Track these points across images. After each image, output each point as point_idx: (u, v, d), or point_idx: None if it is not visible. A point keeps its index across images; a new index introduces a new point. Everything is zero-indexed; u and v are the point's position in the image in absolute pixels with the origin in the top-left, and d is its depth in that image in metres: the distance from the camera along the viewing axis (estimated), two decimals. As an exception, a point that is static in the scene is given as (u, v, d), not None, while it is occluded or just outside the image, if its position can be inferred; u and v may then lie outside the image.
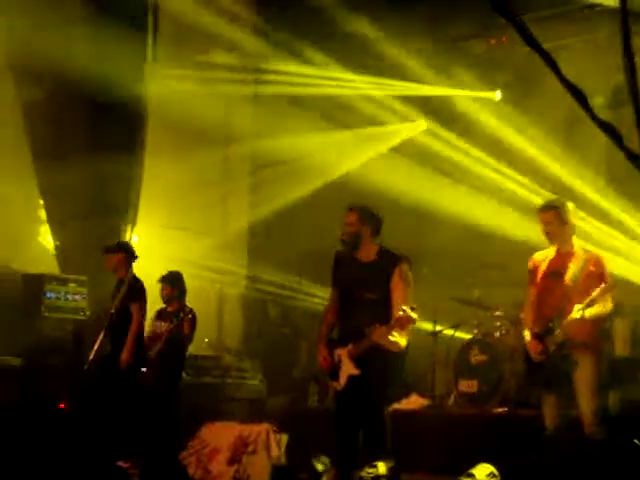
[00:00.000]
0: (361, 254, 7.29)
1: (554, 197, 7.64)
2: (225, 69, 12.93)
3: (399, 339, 7.00)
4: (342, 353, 7.19)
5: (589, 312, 6.70)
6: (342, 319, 7.36)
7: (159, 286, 9.69)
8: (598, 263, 7.00)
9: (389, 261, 7.16)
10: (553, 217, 7.07)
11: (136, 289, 9.36)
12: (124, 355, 9.04)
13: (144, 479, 5.64)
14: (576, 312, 6.68)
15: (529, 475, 5.66)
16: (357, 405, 7.21)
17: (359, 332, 7.04)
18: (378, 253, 7.25)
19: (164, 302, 9.70)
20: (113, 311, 9.14)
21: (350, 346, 7.12)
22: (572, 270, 6.95)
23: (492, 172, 12.01)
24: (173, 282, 9.67)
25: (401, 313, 6.75)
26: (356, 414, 7.23)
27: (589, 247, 7.29)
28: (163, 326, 9.52)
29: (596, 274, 6.89)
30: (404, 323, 6.86)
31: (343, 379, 7.18)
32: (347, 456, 7.18)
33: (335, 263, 7.51)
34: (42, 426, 5.20)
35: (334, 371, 7.27)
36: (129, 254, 9.50)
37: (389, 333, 6.86)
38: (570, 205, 7.19)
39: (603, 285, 6.72)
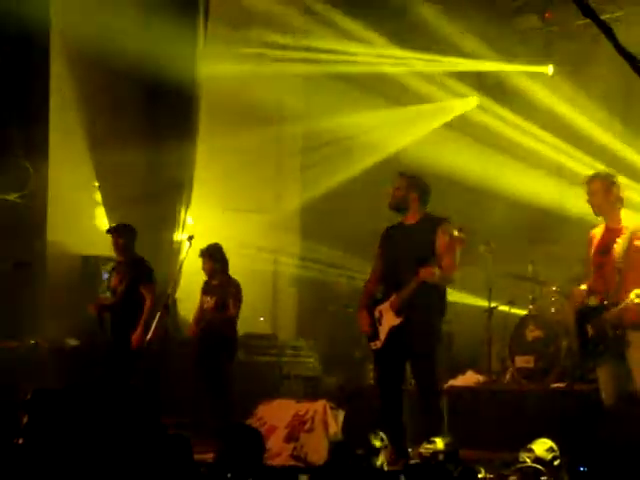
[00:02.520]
0: (407, 219, 7.46)
1: (604, 170, 7.53)
2: (276, 48, 12.93)
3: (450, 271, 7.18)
4: (383, 308, 7.32)
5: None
6: (387, 283, 7.46)
7: (200, 261, 9.73)
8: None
9: (432, 222, 7.32)
10: (598, 188, 6.99)
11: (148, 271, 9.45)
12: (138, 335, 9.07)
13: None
14: (635, 297, 6.60)
15: (588, 450, 5.63)
16: (400, 361, 7.31)
17: (402, 287, 7.16)
18: (422, 217, 7.41)
19: (207, 276, 9.75)
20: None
21: (393, 297, 7.24)
22: (620, 246, 6.88)
23: (547, 147, 11.93)
24: (213, 255, 9.68)
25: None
26: (401, 371, 7.34)
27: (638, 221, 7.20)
28: (210, 301, 9.60)
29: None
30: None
31: (383, 334, 7.29)
32: (395, 419, 7.28)
33: (383, 235, 7.67)
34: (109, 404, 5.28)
35: (374, 331, 7.36)
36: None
37: (435, 269, 7.01)
38: (618, 178, 7.12)
39: None
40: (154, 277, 9.40)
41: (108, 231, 9.65)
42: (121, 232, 9.48)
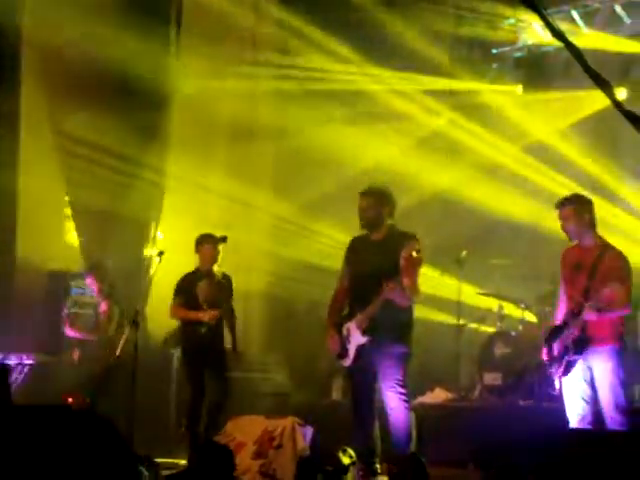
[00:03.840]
0: (374, 235, 7.50)
1: (574, 193, 7.55)
2: (250, 64, 12.95)
3: (411, 290, 7.21)
4: (350, 326, 7.35)
5: (603, 309, 6.68)
6: (352, 298, 7.50)
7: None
8: (617, 257, 6.97)
9: (400, 238, 7.34)
10: (570, 213, 7.03)
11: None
12: None
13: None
14: (589, 309, 6.68)
15: (554, 468, 5.66)
16: (371, 377, 7.34)
17: (368, 304, 7.18)
18: (389, 232, 7.46)
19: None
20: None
21: (358, 315, 7.26)
22: (592, 264, 6.94)
23: (520, 165, 12.03)
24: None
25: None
26: (371, 388, 7.38)
27: (612, 240, 7.26)
28: None
29: (615, 268, 6.85)
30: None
31: (352, 351, 7.32)
32: (368, 436, 7.33)
33: (349, 247, 7.72)
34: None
35: (343, 348, 7.40)
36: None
37: (399, 286, 7.04)
38: (589, 199, 7.17)
39: (617, 283, 6.68)
40: None
41: (208, 240, 9.41)
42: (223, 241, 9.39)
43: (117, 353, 8.50)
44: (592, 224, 7.07)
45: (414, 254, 7.08)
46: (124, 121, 11.48)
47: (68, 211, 11.90)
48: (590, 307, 6.67)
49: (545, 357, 7.10)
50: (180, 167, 12.07)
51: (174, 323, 11.92)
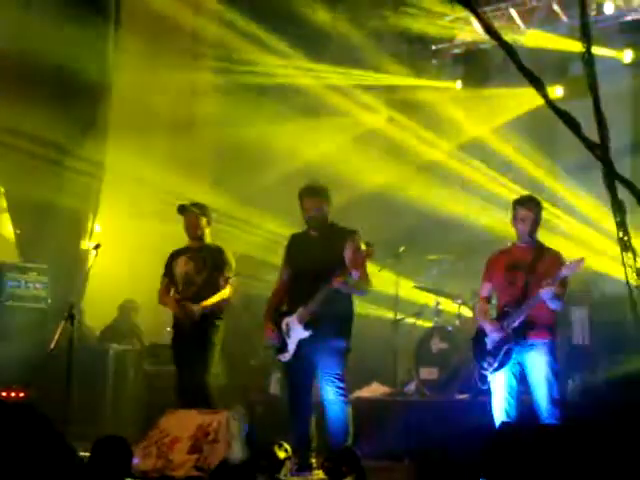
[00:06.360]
0: (314, 231, 7.54)
1: (530, 195, 7.60)
2: (188, 58, 12.89)
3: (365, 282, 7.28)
4: (290, 320, 7.37)
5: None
6: (293, 294, 7.52)
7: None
8: (556, 256, 7.08)
9: (340, 234, 7.42)
10: (529, 215, 7.12)
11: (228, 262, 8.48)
12: None
13: None
14: (546, 285, 6.76)
15: (488, 461, 5.71)
16: (310, 372, 7.37)
17: (309, 299, 7.22)
18: (329, 228, 7.50)
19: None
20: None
21: (300, 309, 7.29)
22: (530, 263, 7.04)
23: (458, 162, 12.13)
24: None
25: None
26: (309, 383, 7.42)
27: (550, 238, 7.38)
28: None
29: (555, 266, 6.94)
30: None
31: (292, 346, 7.35)
32: (304, 431, 7.39)
33: (288, 244, 7.73)
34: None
35: (282, 343, 7.41)
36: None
37: (347, 275, 7.07)
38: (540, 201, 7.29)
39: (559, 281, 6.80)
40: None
41: (182, 209, 8.50)
42: (204, 210, 8.53)
43: (51, 346, 8.41)
44: (539, 224, 7.19)
45: (364, 247, 7.14)
46: (61, 113, 11.36)
47: (3, 203, 11.75)
48: (547, 284, 6.74)
49: (476, 352, 7.19)
50: (118, 160, 11.98)
51: (111, 317, 11.89)
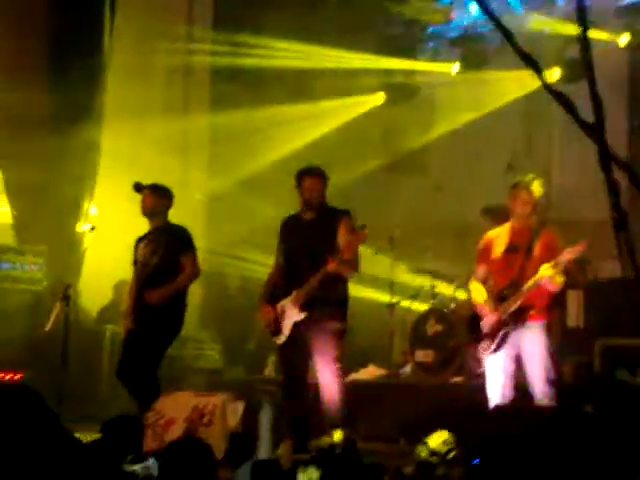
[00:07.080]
0: (307, 213, 7.55)
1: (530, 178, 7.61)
2: (184, 41, 12.86)
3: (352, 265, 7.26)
4: (285, 303, 7.39)
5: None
6: (288, 276, 7.52)
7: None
8: (552, 239, 7.09)
9: (334, 216, 7.43)
10: (531, 199, 7.12)
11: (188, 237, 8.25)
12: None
13: None
14: (544, 270, 6.77)
15: (484, 443, 5.73)
16: (305, 354, 7.37)
17: (304, 281, 7.24)
18: (321, 210, 7.50)
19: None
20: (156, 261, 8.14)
21: (295, 292, 7.29)
22: (528, 245, 7.05)
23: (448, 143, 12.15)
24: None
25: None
26: (305, 365, 7.43)
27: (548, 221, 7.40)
28: None
29: (550, 250, 6.96)
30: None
31: (287, 329, 7.36)
32: (299, 413, 7.38)
33: (282, 227, 7.73)
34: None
35: (276, 326, 7.43)
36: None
37: (342, 259, 7.08)
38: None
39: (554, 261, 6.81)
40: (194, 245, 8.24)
41: (138, 188, 8.31)
42: (158, 191, 8.33)
43: (47, 327, 8.40)
44: (536, 206, 7.20)
45: (357, 229, 7.15)
46: (58, 96, 11.33)
47: (0, 184, 11.74)
48: (546, 269, 6.76)
49: (472, 334, 7.21)
50: (114, 142, 11.95)
51: (108, 299, 11.89)
